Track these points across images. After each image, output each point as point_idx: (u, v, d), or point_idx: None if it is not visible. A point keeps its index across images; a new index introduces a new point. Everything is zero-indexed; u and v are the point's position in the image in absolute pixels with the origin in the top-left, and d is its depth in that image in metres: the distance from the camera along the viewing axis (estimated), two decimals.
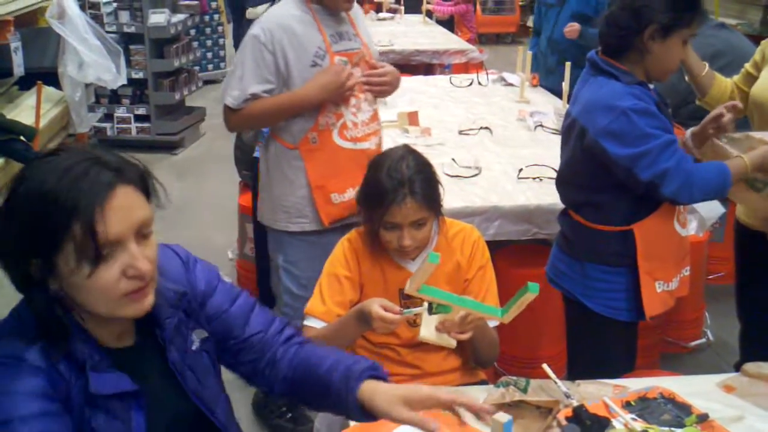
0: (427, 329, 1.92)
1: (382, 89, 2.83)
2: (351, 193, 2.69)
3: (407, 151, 2.17)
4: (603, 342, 2.41)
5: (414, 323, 2.18)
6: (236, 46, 6.47)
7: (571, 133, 2.36)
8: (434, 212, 2.12)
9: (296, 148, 2.72)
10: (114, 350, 1.38)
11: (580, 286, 2.40)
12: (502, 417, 1.30)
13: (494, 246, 2.59)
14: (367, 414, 1.43)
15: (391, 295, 2.14)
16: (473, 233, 2.27)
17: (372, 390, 1.40)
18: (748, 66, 2.76)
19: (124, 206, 1.25)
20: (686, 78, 2.76)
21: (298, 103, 2.65)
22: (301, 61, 2.64)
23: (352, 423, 1.78)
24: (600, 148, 2.22)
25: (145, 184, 1.32)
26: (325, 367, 1.48)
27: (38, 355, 1.27)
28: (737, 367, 2.60)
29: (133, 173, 1.29)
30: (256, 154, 3.76)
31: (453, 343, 1.91)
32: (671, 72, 2.32)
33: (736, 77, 2.78)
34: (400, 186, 2.05)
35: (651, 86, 2.33)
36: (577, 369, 2.43)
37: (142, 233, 1.29)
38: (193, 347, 1.49)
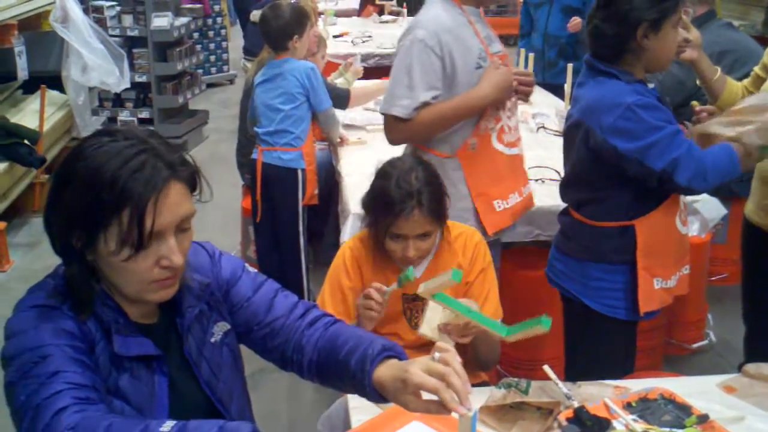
0: (428, 327, 1.92)
1: (527, 90, 2.69)
2: (513, 200, 2.63)
3: (416, 161, 2.17)
4: (601, 341, 2.41)
5: (416, 325, 2.18)
6: (245, 49, 6.45)
7: (575, 134, 2.37)
8: (440, 224, 2.13)
9: (454, 156, 2.57)
10: (138, 324, 1.44)
11: (579, 284, 2.41)
12: (469, 410, 1.29)
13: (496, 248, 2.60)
14: (386, 399, 1.42)
15: (394, 299, 2.14)
16: (475, 236, 2.27)
17: (382, 376, 1.38)
18: (757, 69, 2.76)
19: (173, 202, 1.33)
20: (698, 81, 2.76)
21: (474, 104, 2.50)
22: (468, 64, 2.50)
23: (355, 424, 1.79)
24: (609, 146, 2.23)
25: (193, 182, 1.40)
26: (344, 352, 1.47)
27: (69, 309, 1.36)
28: (741, 369, 2.60)
29: (186, 171, 1.37)
30: (254, 155, 3.78)
31: (451, 344, 1.91)
32: (671, 59, 2.34)
33: (746, 81, 2.78)
34: (408, 198, 2.04)
35: (651, 86, 2.34)
36: (575, 369, 2.44)
37: (182, 227, 1.37)
38: (212, 339, 1.53)
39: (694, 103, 2.54)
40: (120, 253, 1.31)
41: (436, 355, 1.32)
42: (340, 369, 1.46)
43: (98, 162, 1.30)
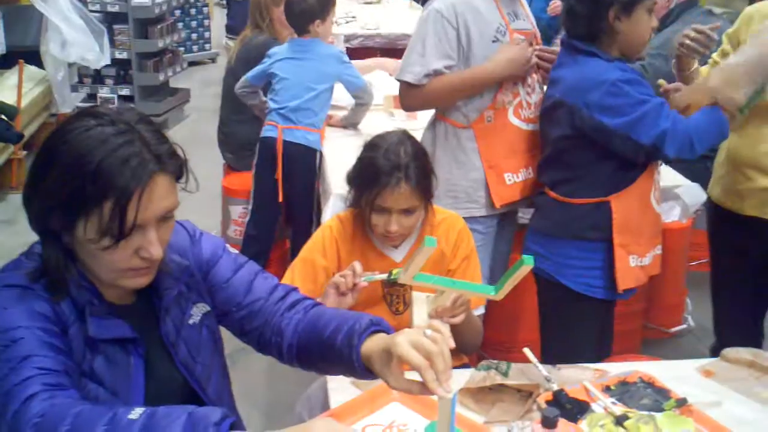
0: (420, 318, 1.89)
1: (549, 67, 2.66)
2: (524, 175, 2.64)
3: (406, 136, 2.16)
4: (577, 322, 2.42)
5: (397, 311, 2.17)
6: (228, 27, 6.39)
7: (554, 114, 2.37)
8: (425, 201, 2.11)
9: (469, 127, 2.60)
10: (115, 305, 1.42)
11: (555, 264, 2.42)
12: (449, 393, 1.29)
13: None
14: (374, 374, 1.40)
15: (374, 284, 2.12)
16: (458, 222, 2.25)
17: (370, 350, 1.36)
18: (715, 55, 2.71)
19: (157, 195, 1.30)
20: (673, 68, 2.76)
21: (485, 76, 2.53)
22: (484, 37, 2.53)
23: (333, 405, 1.78)
24: (596, 122, 2.25)
25: (180, 174, 1.37)
26: (329, 331, 1.45)
27: (43, 290, 1.34)
28: (714, 351, 2.62)
29: (174, 165, 1.34)
30: (265, 133, 3.75)
31: (452, 344, 1.86)
32: (644, 44, 2.36)
33: (703, 68, 2.72)
34: (396, 170, 2.03)
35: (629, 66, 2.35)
36: (551, 352, 2.43)
37: (164, 217, 1.34)
38: (191, 321, 1.51)
39: (661, 82, 2.54)
40: (99, 242, 1.29)
41: (428, 331, 1.30)
42: (324, 349, 1.44)
43: (83, 148, 1.27)
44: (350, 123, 3.83)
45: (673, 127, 2.21)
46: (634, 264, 2.38)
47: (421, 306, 1.89)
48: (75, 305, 1.35)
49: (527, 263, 1.54)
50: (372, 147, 2.11)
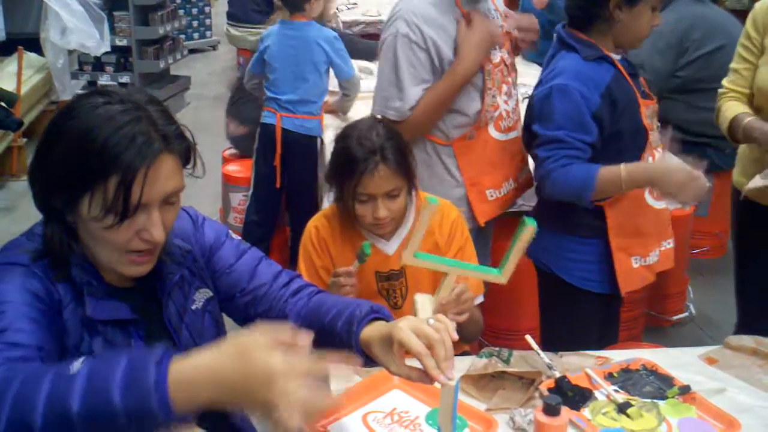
0: (425, 316, 1.86)
1: (531, 37, 2.59)
2: (507, 187, 2.59)
3: (375, 120, 2.13)
4: (575, 313, 2.40)
5: (396, 305, 2.15)
6: (229, 14, 6.36)
7: (527, 113, 2.40)
8: (407, 181, 2.06)
9: (449, 144, 2.51)
10: (115, 287, 1.41)
11: (554, 257, 2.40)
12: (451, 380, 1.28)
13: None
14: (373, 361, 1.40)
15: (367, 277, 2.11)
16: (452, 211, 2.21)
17: (369, 336, 1.36)
18: (733, 64, 2.59)
19: (162, 175, 1.29)
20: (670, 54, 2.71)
21: (462, 75, 2.40)
22: (452, 50, 2.41)
23: (334, 392, 1.77)
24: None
25: (187, 156, 1.36)
26: (329, 317, 1.45)
27: (40, 269, 1.33)
28: (737, 330, 2.57)
29: (180, 145, 1.33)
30: (264, 119, 3.74)
31: (455, 336, 1.82)
32: (642, 39, 2.29)
33: (725, 80, 2.61)
34: (371, 154, 1.99)
35: (616, 57, 2.29)
36: (550, 342, 2.40)
37: (168, 201, 1.33)
38: (194, 306, 1.51)
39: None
40: (103, 220, 1.28)
41: (431, 320, 1.30)
42: (324, 334, 1.43)
43: (89, 124, 1.26)
44: (339, 110, 3.82)
45: (555, 174, 2.22)
46: (637, 265, 2.34)
47: (425, 305, 1.86)
48: (73, 287, 1.35)
49: (530, 224, 1.51)
50: (343, 137, 2.07)
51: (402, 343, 1.27)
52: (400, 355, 1.31)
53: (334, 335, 1.41)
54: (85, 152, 1.25)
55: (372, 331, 1.36)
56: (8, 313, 1.24)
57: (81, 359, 1.11)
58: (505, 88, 2.54)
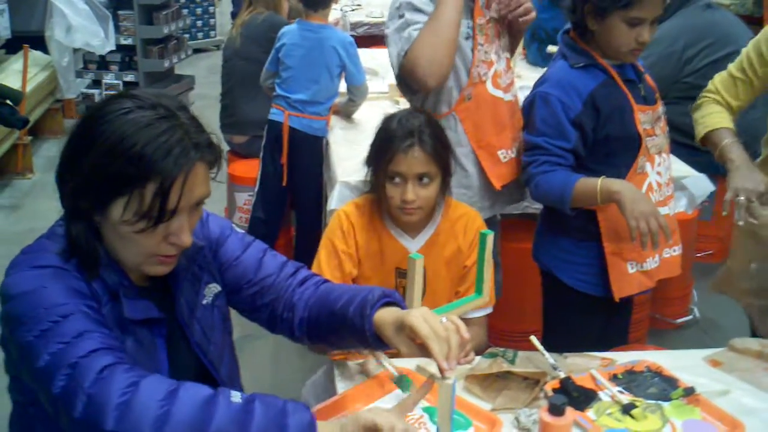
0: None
1: (526, 8, 2.42)
2: (517, 147, 2.47)
3: (419, 111, 2.21)
4: (575, 316, 2.40)
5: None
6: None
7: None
8: (441, 171, 2.10)
9: (452, 112, 2.43)
10: (139, 287, 1.44)
11: (554, 258, 2.41)
12: (450, 379, 1.31)
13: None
14: (385, 344, 1.44)
15: (387, 271, 2.14)
16: (477, 220, 2.25)
17: (382, 319, 1.41)
18: (732, 67, 2.49)
19: (196, 182, 1.33)
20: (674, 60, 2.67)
21: (450, 5, 2.25)
22: None
23: (339, 391, 1.77)
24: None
25: (214, 164, 1.39)
26: (341, 303, 1.49)
27: (73, 268, 1.34)
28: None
29: (211, 154, 1.36)
30: (272, 116, 3.76)
31: (466, 335, 1.74)
32: (621, 53, 2.23)
33: (717, 77, 2.52)
34: (409, 135, 2.06)
35: (612, 63, 2.26)
36: (551, 344, 2.39)
37: (196, 205, 1.37)
38: (204, 302, 1.53)
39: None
40: (135, 224, 1.30)
41: (443, 319, 1.34)
42: (335, 321, 1.47)
43: (125, 130, 1.28)
44: (343, 112, 3.82)
45: (537, 179, 2.25)
46: (633, 270, 2.31)
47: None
48: (105, 285, 1.36)
49: (487, 235, 1.53)
50: (387, 120, 2.16)
51: (413, 329, 1.31)
52: (412, 338, 1.36)
53: (345, 320, 1.44)
54: (123, 158, 1.27)
55: (384, 315, 1.40)
56: (77, 316, 1.26)
57: (238, 394, 1.20)
58: (494, 48, 2.44)
